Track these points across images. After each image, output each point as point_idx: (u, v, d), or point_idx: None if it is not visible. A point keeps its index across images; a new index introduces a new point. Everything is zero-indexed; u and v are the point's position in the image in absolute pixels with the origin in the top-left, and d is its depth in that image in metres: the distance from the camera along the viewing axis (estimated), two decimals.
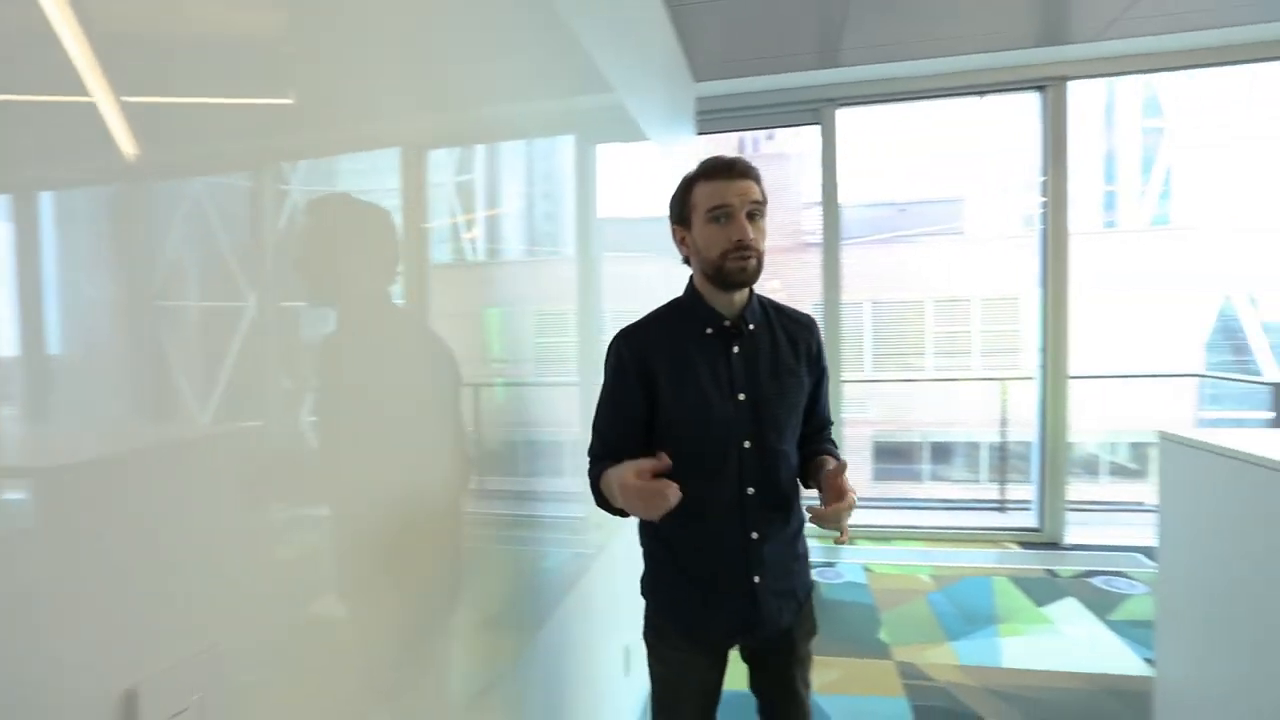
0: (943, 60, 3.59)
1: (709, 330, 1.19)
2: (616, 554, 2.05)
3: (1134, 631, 2.71)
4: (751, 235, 1.12)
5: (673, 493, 0.97)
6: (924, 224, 13.56)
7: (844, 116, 3.98)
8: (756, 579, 1.18)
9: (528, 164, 1.48)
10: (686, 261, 1.26)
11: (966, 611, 2.96)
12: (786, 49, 3.43)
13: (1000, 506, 4.56)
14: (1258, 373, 12.19)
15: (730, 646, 1.29)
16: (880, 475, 11.50)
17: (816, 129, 4.06)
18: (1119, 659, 2.52)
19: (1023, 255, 12.18)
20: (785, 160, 12.58)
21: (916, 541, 3.91)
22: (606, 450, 1.19)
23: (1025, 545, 3.78)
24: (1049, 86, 3.70)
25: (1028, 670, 2.46)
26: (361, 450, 0.84)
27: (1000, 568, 3.46)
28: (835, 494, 1.10)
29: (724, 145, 13.55)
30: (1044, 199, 3.83)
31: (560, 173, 1.67)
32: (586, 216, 1.81)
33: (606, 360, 1.24)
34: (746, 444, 1.17)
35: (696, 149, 3.84)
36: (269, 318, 0.70)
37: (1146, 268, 12.01)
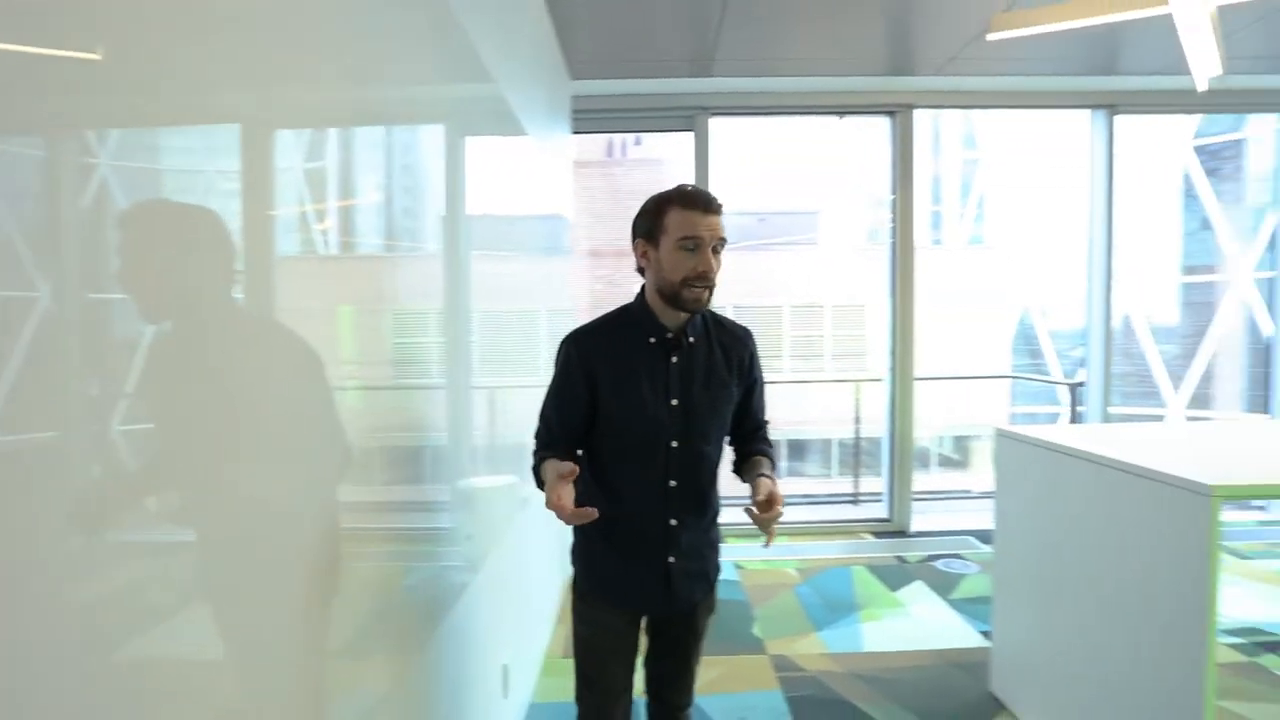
0: (808, 79, 3.79)
1: (652, 340, 1.32)
2: (498, 570, 1.94)
3: (970, 608, 3.00)
4: (715, 269, 1.26)
5: (584, 515, 1.15)
6: (782, 234, 14.40)
7: (716, 125, 4.09)
8: (671, 560, 1.35)
9: (389, 153, 1.36)
10: (640, 271, 1.34)
11: (830, 601, 3.13)
12: (663, 55, 3.47)
13: (854, 499, 4.91)
14: (1047, 373, 14.14)
15: (645, 615, 1.44)
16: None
17: (689, 136, 4.14)
18: (960, 634, 2.77)
19: (869, 266, 13.33)
20: (654, 165, 12.86)
21: (782, 536, 4.08)
22: (552, 438, 1.35)
23: (877, 534, 4.09)
24: (898, 112, 4.03)
25: (886, 652, 2.64)
26: (197, 463, 0.71)
27: (857, 557, 3.71)
28: (768, 502, 1.27)
29: (594, 146, 13.57)
30: (893, 215, 4.16)
31: (426, 164, 1.55)
32: (455, 212, 1.69)
33: (557, 358, 1.35)
34: (674, 444, 1.32)
35: (572, 147, 3.78)
36: (69, 311, 0.56)
37: (965, 281, 13.52)
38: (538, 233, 2.87)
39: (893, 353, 4.20)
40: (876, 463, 4.43)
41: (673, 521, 1.34)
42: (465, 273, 1.79)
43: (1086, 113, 4.09)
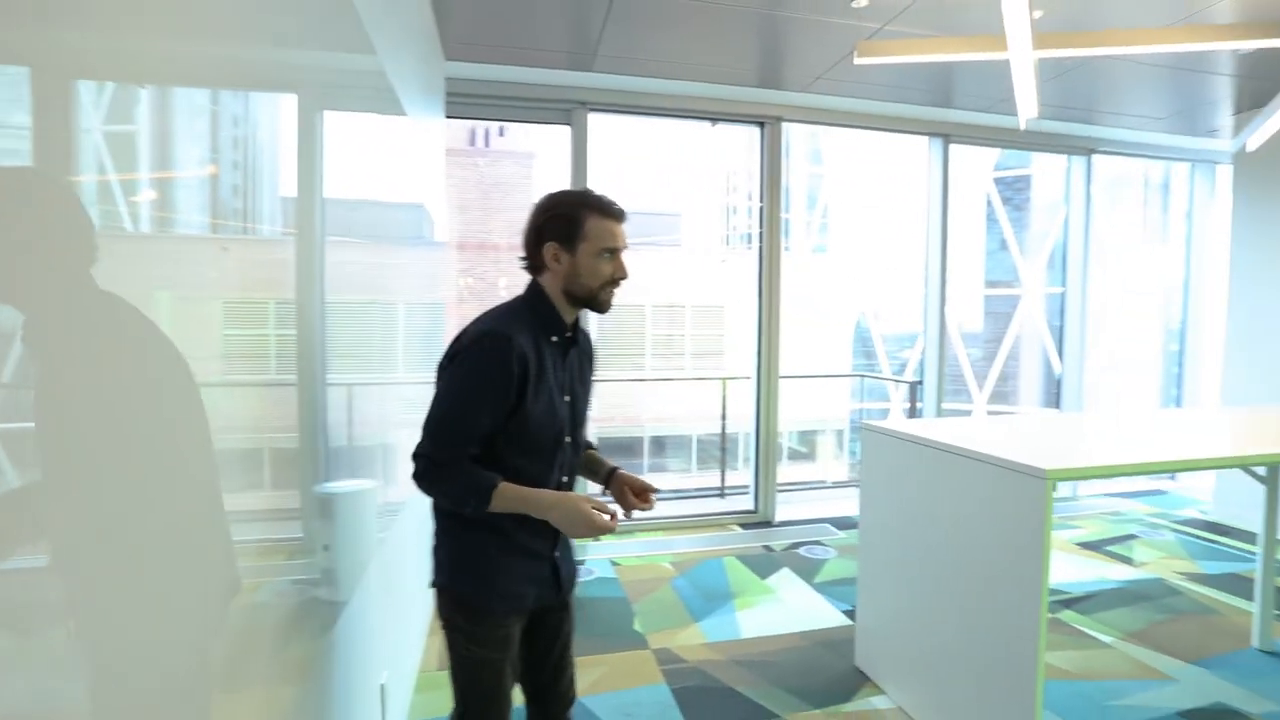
0: (685, 84, 3.89)
1: (554, 338, 1.33)
2: (368, 581, 1.78)
3: (833, 590, 3.24)
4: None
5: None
6: (644, 234, 14.70)
7: (594, 121, 4.08)
8: (558, 552, 1.40)
9: (217, 121, 1.17)
10: (535, 270, 1.33)
11: (706, 592, 3.23)
12: (543, 44, 3.39)
13: (721, 493, 5.11)
14: (880, 372, 15.66)
15: (536, 609, 1.41)
16: None
17: (563, 130, 4.10)
18: (826, 615, 2.98)
19: (728, 269, 13.98)
20: (521, 159, 12.58)
21: (656, 531, 4.18)
22: (475, 447, 1.24)
23: (745, 526, 4.29)
24: (768, 123, 4.25)
25: (762, 637, 2.77)
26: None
27: (728, 548, 3.86)
28: (645, 490, 1.40)
29: (455, 134, 13.00)
30: (761, 222, 4.38)
31: (269, 136, 1.37)
32: (309, 193, 1.51)
33: (482, 362, 1.24)
34: (567, 438, 1.36)
35: (443, 132, 3.59)
36: None
37: (810, 287, 14.59)
38: (405, 221, 2.68)
39: (759, 352, 4.42)
40: (735, 457, 4.66)
41: None
42: (320, 260, 1.61)
43: (925, 139, 4.56)
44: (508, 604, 1.33)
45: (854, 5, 2.92)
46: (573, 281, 1.29)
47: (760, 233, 4.41)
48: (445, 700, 1.39)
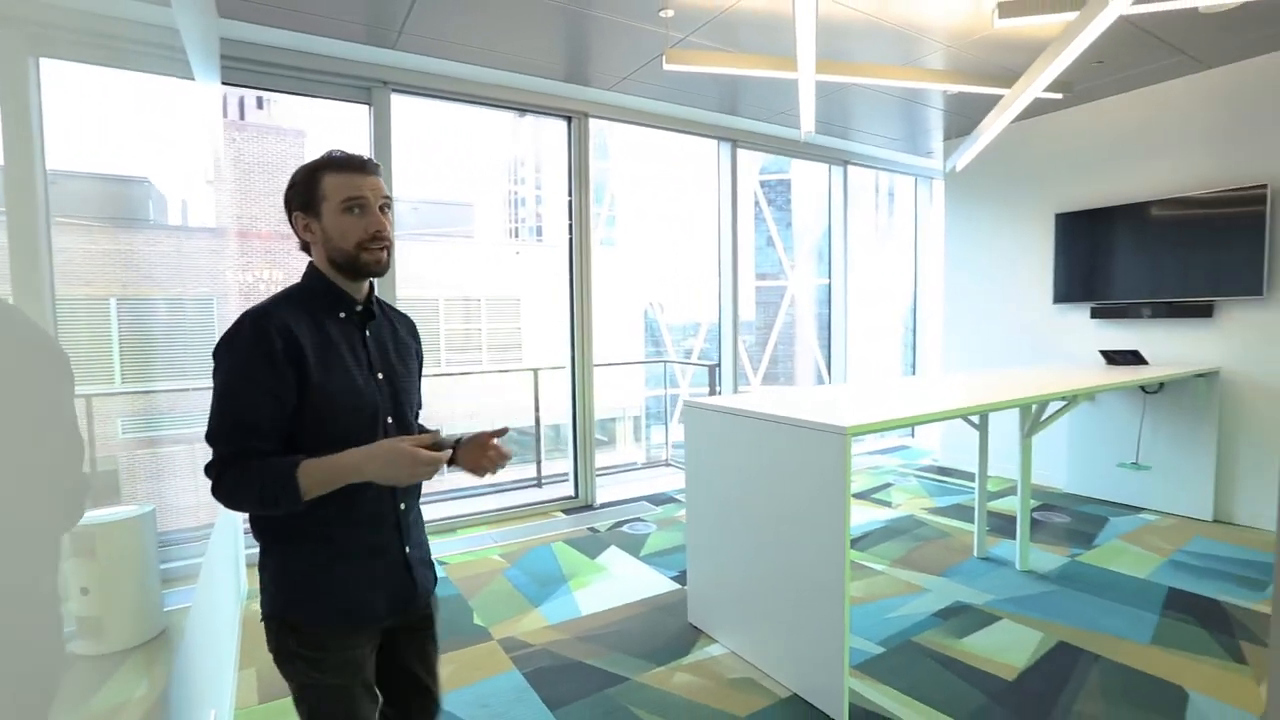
0: (494, 71, 3.84)
1: (342, 314, 1.22)
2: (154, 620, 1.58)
3: (659, 559, 3.48)
4: (388, 227, 1.21)
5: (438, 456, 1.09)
6: (434, 225, 14.05)
7: (399, 104, 3.86)
8: (408, 549, 1.26)
9: None
10: (305, 249, 1.24)
11: (540, 578, 3.28)
12: (336, 12, 3.13)
13: (538, 482, 5.16)
14: (669, 358, 16.71)
15: (388, 623, 1.26)
16: None
17: (362, 110, 3.83)
18: (657, 583, 3.19)
19: (523, 261, 13.89)
20: (290, 137, 11.28)
21: (480, 526, 4.12)
22: (264, 440, 1.09)
23: (568, 511, 4.40)
24: (575, 118, 4.36)
25: (601, 611, 2.90)
26: None
27: (554, 534, 3.94)
28: (485, 441, 1.30)
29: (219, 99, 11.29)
30: (570, 215, 4.49)
31: None
32: (23, 163, 1.23)
33: (236, 343, 1.10)
34: (389, 419, 1.24)
35: (219, 100, 3.15)
36: None
37: (600, 278, 15.10)
38: (163, 201, 2.32)
39: (573, 342, 4.54)
40: (541, 446, 4.78)
41: (403, 506, 1.25)
42: (46, 248, 1.33)
43: (716, 143, 5.02)
44: (353, 619, 1.18)
45: (661, 14, 3.13)
46: (330, 248, 1.18)
47: (570, 225, 4.52)
48: None
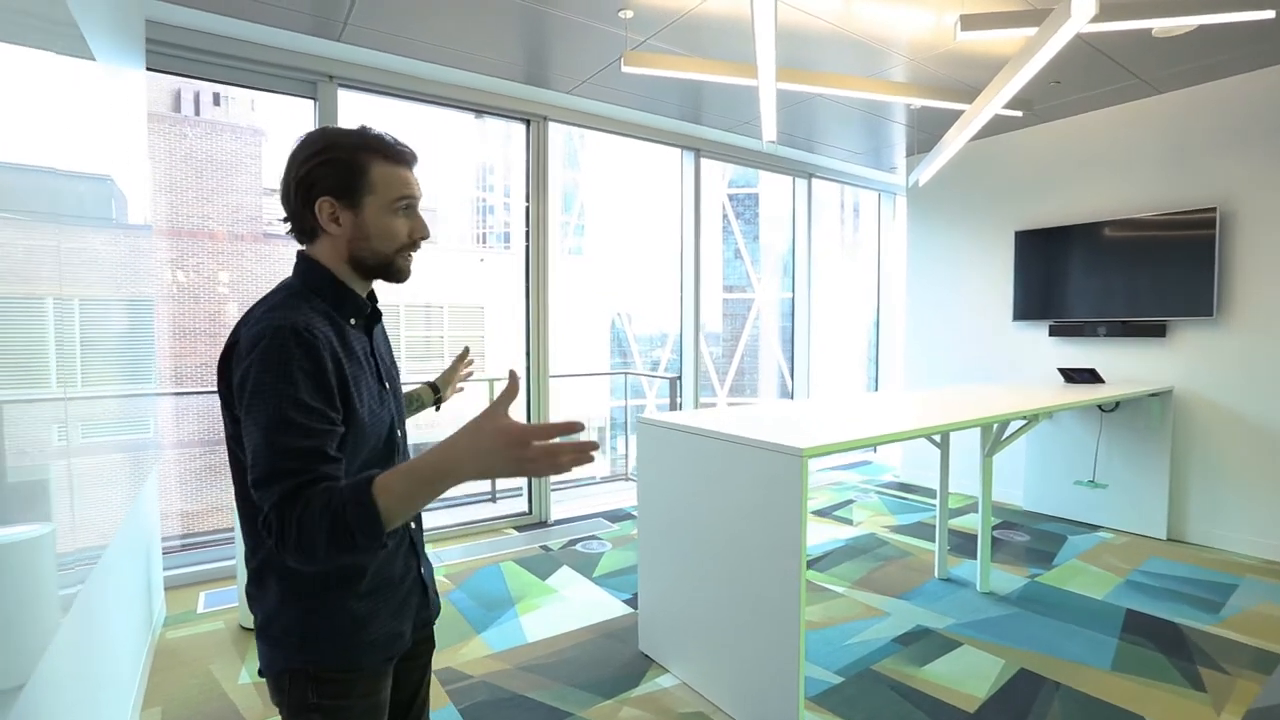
0: (449, 70, 3.69)
1: (354, 320, 1.05)
2: (58, 661, 1.38)
3: (611, 581, 3.33)
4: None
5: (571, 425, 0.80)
6: None
7: (346, 101, 3.68)
8: (421, 568, 1.14)
9: None
10: (305, 236, 1.03)
11: (486, 601, 3.10)
12: None
13: (492, 497, 4.97)
14: (635, 370, 16.61)
15: (408, 649, 1.13)
16: None
17: (305, 105, 3.64)
18: (608, 607, 3.04)
19: (487, 268, 13.66)
20: (241, 134, 10.91)
21: (427, 544, 3.91)
22: (330, 461, 0.87)
23: (520, 529, 4.22)
24: (534, 121, 4.22)
25: (547, 639, 2.74)
26: None
27: (504, 553, 3.76)
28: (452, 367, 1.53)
29: (157, 97, 10.88)
30: (527, 221, 4.34)
31: None
32: None
33: (286, 358, 0.88)
34: (399, 431, 1.09)
35: (143, 86, 2.93)
36: None
37: (566, 287, 14.96)
38: (86, 195, 2.12)
39: (529, 352, 4.39)
40: None
41: (413, 524, 1.12)
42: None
43: (679, 152, 4.93)
44: (383, 652, 1.03)
45: (621, 15, 3.03)
46: (361, 246, 1.00)
47: (527, 231, 4.37)
48: None
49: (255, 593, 1.00)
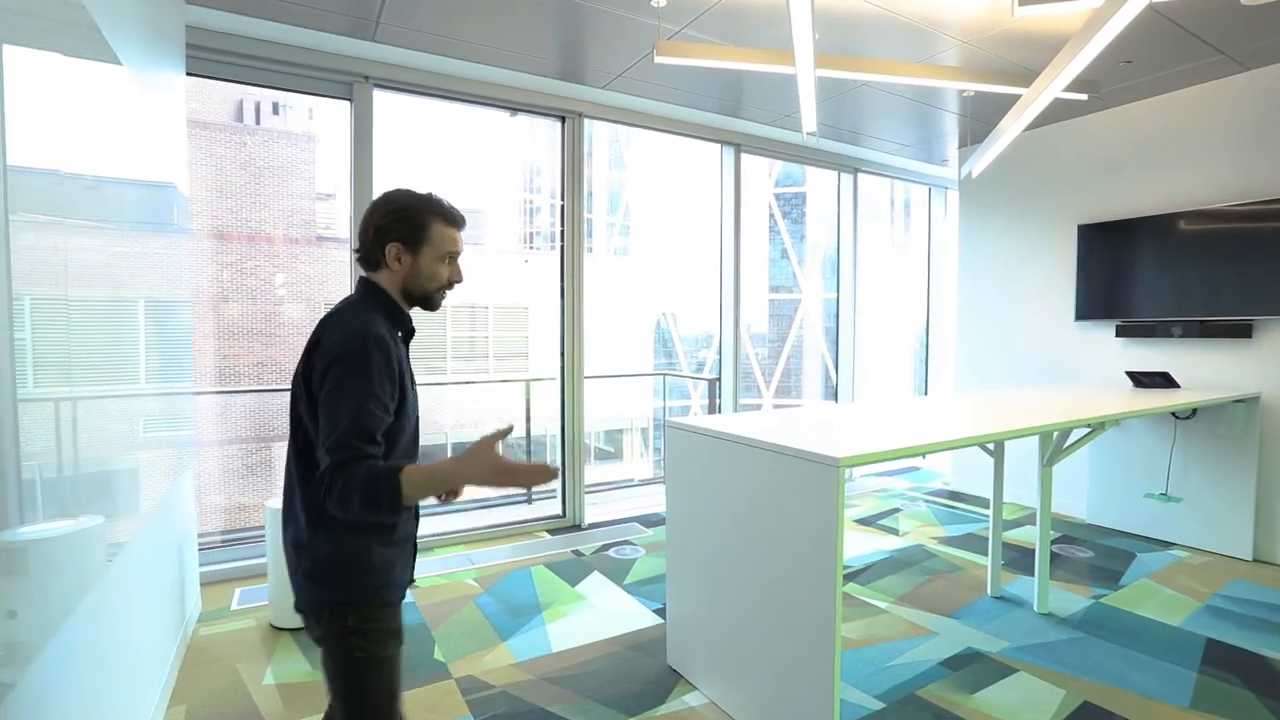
0: (483, 68, 3.66)
1: (400, 334, 1.36)
2: (81, 645, 1.36)
3: (643, 590, 3.22)
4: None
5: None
6: None
7: (381, 100, 3.68)
8: (416, 535, 1.44)
9: None
10: (371, 265, 1.35)
11: (513, 607, 3.04)
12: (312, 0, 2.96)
13: (528, 499, 4.92)
14: (680, 371, 16.46)
15: None
16: None
17: (345, 107, 3.66)
18: (637, 617, 2.94)
19: (531, 269, 13.75)
20: (295, 140, 11.25)
21: (457, 546, 3.89)
22: (377, 446, 1.20)
23: (553, 532, 4.16)
24: (568, 118, 4.16)
25: (572, 649, 2.65)
26: None
27: (536, 557, 3.70)
28: None
29: (221, 108, 11.32)
30: (563, 221, 4.28)
31: None
32: None
33: (368, 363, 1.21)
34: (419, 429, 1.40)
35: (183, 92, 2.97)
36: None
37: (612, 287, 14.93)
38: (134, 200, 2.14)
39: (563, 353, 4.32)
40: (533, 459, 4.53)
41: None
42: (4, 245, 1.19)
43: (719, 147, 4.79)
44: (399, 591, 1.35)
45: (653, 4, 2.92)
46: (412, 282, 1.35)
47: (562, 230, 4.31)
48: None
49: (307, 541, 1.25)
